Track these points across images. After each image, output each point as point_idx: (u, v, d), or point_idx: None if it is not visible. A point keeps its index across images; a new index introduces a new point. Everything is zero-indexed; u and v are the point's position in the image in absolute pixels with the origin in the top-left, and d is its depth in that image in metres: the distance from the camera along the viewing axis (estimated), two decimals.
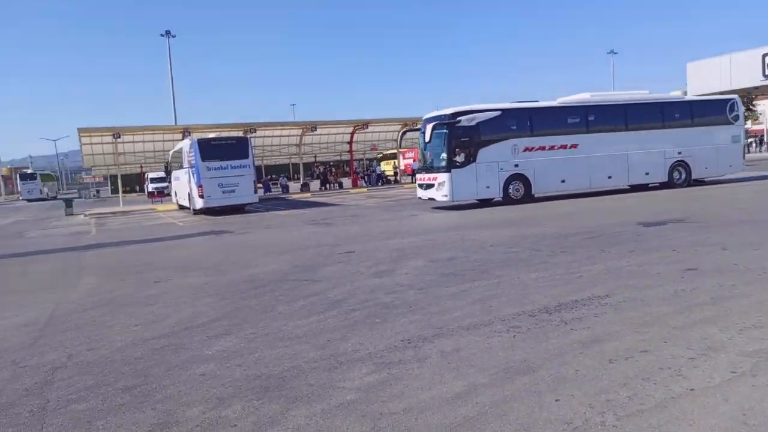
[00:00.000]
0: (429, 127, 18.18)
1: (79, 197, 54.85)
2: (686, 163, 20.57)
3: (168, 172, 33.62)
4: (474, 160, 17.96)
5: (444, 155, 17.89)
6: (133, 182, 56.86)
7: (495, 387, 3.94)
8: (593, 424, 3.33)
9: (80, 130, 32.33)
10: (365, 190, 36.50)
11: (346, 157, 49.33)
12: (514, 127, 18.68)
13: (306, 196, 34.00)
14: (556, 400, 3.66)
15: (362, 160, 50.14)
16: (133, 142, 42.48)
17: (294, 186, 42.51)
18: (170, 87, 51.67)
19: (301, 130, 42.46)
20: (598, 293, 6.24)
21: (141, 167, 51.12)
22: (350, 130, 42.49)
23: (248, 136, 28.36)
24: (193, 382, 4.44)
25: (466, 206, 18.69)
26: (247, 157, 23.57)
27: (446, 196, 17.88)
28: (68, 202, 31.38)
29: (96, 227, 21.28)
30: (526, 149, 18.61)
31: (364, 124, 40.47)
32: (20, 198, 60.80)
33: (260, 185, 32.63)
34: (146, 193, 44.34)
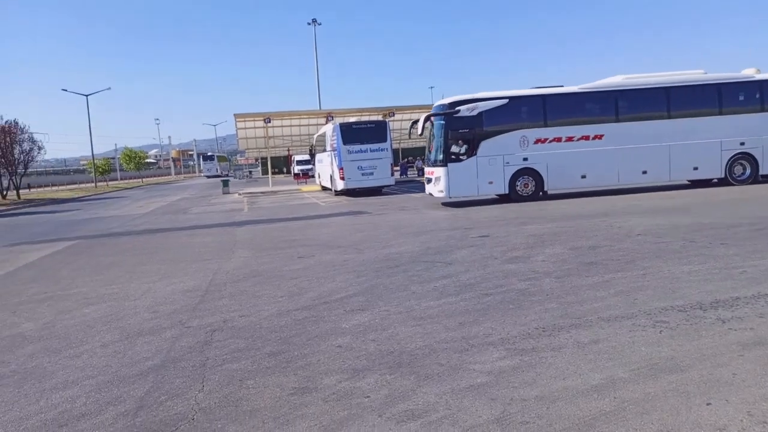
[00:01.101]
0: (425, 117, 17.18)
1: (235, 177, 60.33)
2: (752, 156, 17.14)
3: (312, 155, 35.57)
4: (474, 154, 16.50)
5: (441, 148, 16.66)
6: (281, 164, 60.89)
7: (636, 383, 3.70)
8: None
9: (236, 116, 35.36)
10: None
11: None
12: (524, 117, 16.95)
13: None
14: (708, 404, 3.35)
15: None
16: (282, 126, 45.54)
17: None
18: (315, 73, 54.38)
19: None
20: (765, 291, 5.57)
21: (288, 150, 54.56)
22: None
23: (387, 119, 29.00)
24: (331, 353, 4.71)
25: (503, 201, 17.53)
26: (385, 140, 24.19)
27: (442, 192, 16.66)
28: (225, 183, 34.77)
29: (248, 205, 23.20)
30: (538, 141, 16.73)
31: None
32: (201, 174, 78.42)
33: (397, 168, 33.27)
34: (292, 174, 47.36)
